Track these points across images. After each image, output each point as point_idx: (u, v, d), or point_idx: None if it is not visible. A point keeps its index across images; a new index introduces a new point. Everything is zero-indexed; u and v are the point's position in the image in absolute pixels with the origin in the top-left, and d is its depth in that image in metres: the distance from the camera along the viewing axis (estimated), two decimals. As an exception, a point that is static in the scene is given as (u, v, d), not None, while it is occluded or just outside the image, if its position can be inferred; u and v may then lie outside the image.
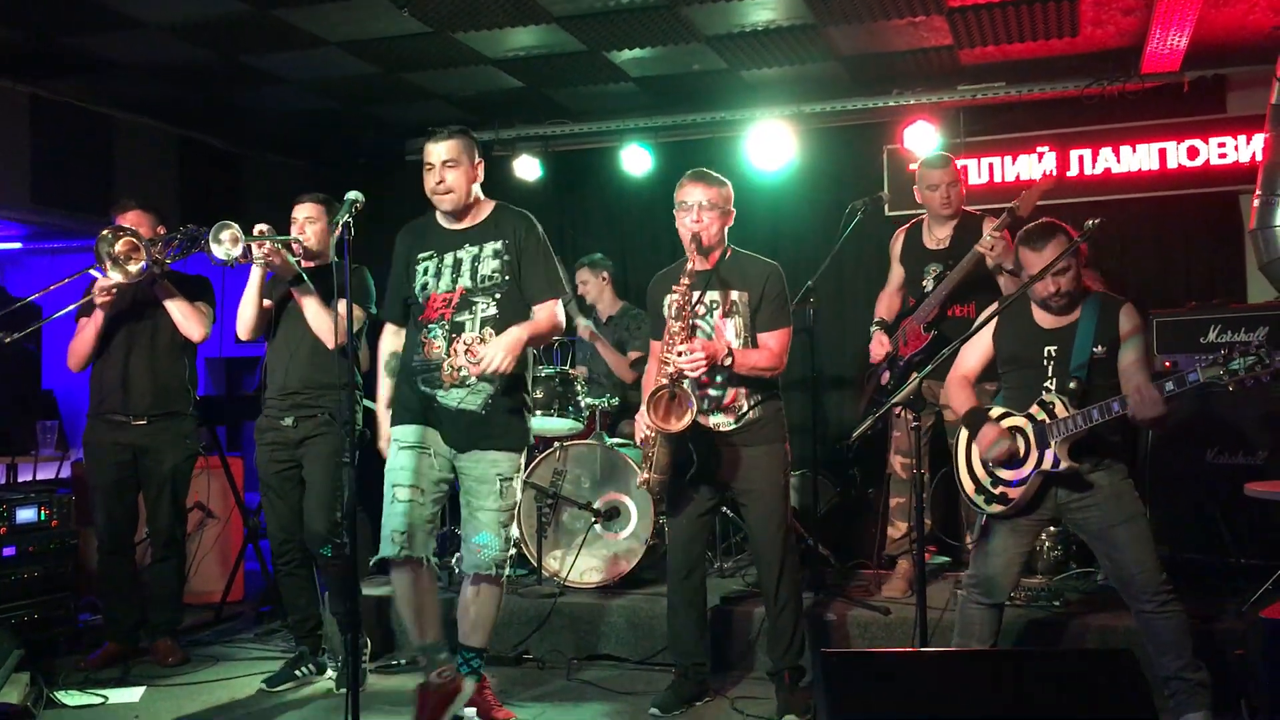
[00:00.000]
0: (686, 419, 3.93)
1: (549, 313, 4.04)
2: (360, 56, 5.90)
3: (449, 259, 4.05)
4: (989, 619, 3.91)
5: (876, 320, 5.29)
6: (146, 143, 6.92)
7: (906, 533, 5.21)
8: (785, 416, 4.34)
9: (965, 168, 6.23)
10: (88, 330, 4.97)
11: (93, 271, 4.85)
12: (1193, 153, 6.29)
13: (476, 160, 4.07)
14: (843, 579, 5.47)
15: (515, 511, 4.12)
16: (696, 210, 4.13)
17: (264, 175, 7.82)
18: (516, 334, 3.87)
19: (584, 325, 6.19)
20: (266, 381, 4.80)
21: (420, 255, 4.10)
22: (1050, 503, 3.81)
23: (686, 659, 4.38)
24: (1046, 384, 3.76)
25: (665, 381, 3.99)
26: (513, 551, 4.13)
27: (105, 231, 4.72)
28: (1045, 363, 3.79)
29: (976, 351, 4.00)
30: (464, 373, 3.95)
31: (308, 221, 4.68)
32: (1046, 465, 3.69)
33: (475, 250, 4.05)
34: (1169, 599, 3.67)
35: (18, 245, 8.81)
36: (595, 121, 7.09)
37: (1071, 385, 3.70)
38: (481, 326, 3.97)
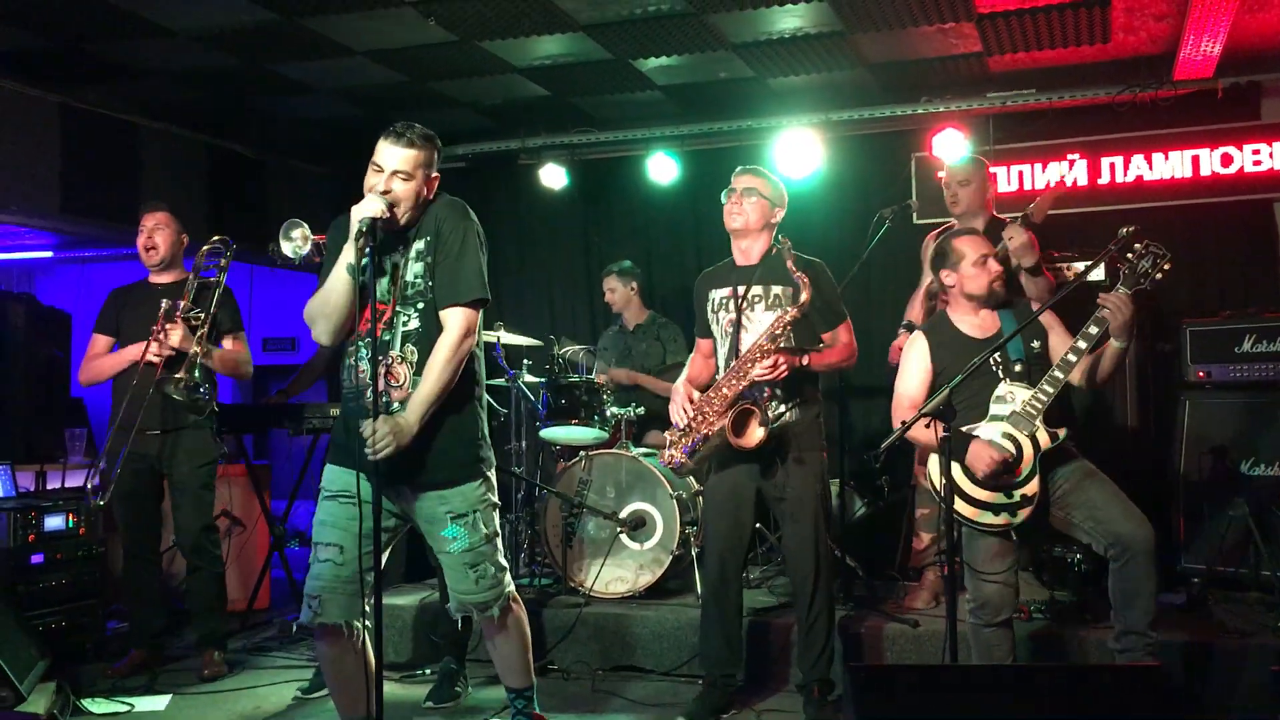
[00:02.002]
0: (761, 433, 4.02)
1: (456, 328, 3.45)
2: (386, 65, 5.92)
3: (386, 264, 3.50)
4: (1003, 638, 3.86)
5: (905, 322, 5.28)
6: (174, 151, 6.97)
7: (929, 544, 5.18)
8: (824, 424, 4.34)
9: (995, 175, 6.17)
10: (109, 361, 5.02)
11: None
12: (1226, 160, 6.21)
13: (434, 174, 3.54)
14: (871, 591, 5.42)
15: (487, 546, 3.56)
16: (739, 195, 4.22)
17: (289, 182, 7.85)
18: (416, 411, 3.37)
19: (621, 372, 6.19)
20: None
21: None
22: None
23: (717, 669, 4.34)
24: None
25: (745, 400, 4.07)
26: (510, 589, 3.65)
27: (154, 349, 4.82)
28: (995, 368, 3.83)
29: (918, 374, 4.01)
30: (385, 399, 3.42)
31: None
32: (1045, 443, 3.72)
33: (404, 256, 3.51)
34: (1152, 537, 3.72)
35: (48, 254, 8.90)
36: (622, 130, 7.07)
37: (1017, 369, 3.80)
38: (403, 344, 3.45)
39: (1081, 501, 3.78)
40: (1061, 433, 3.72)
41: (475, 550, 3.53)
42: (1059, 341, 3.87)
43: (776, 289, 4.22)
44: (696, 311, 4.49)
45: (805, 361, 4.09)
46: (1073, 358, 3.70)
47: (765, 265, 4.25)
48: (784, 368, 4.02)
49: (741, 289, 4.23)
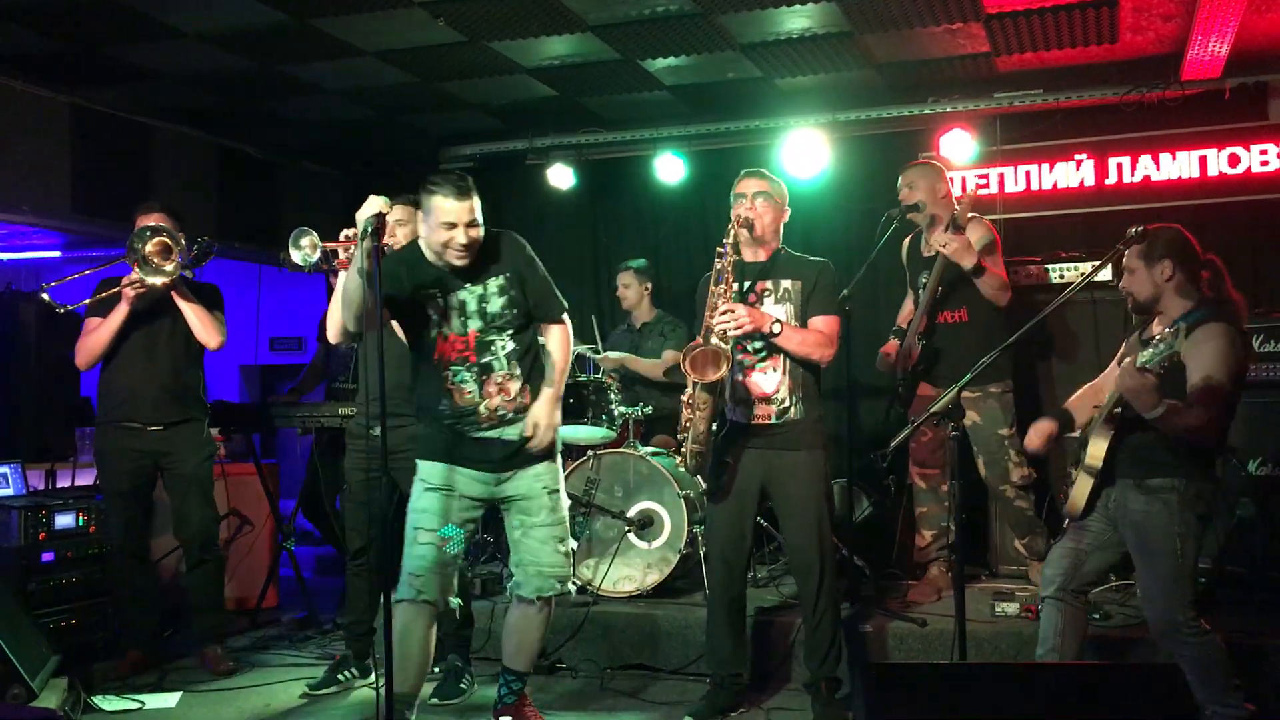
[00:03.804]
0: (723, 369, 4.01)
1: (564, 333, 4.07)
2: (396, 65, 5.94)
3: (454, 300, 3.86)
4: (1049, 616, 3.78)
5: (894, 328, 5.34)
6: (185, 152, 6.99)
7: (931, 541, 5.22)
8: (825, 424, 4.33)
9: (950, 178, 5.85)
10: (103, 330, 4.95)
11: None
12: (1234, 160, 6.22)
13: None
14: (878, 590, 5.43)
15: (568, 526, 4.06)
16: (750, 199, 4.26)
17: (300, 184, 7.88)
18: (551, 398, 3.91)
19: (613, 357, 6.22)
20: (357, 384, 4.88)
21: (426, 290, 3.88)
22: (1104, 507, 3.72)
23: (723, 669, 4.35)
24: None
25: (701, 339, 4.07)
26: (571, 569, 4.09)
27: (144, 228, 4.77)
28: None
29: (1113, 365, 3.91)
30: (501, 412, 3.87)
31: (398, 224, 4.56)
32: (1088, 457, 3.66)
33: (479, 290, 3.89)
34: (1189, 636, 3.52)
35: (57, 254, 8.92)
36: (629, 130, 7.08)
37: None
38: (508, 363, 3.91)
39: (1134, 559, 3.66)
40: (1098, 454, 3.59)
41: (562, 523, 3.99)
42: (1194, 365, 3.45)
43: (785, 283, 4.25)
44: (699, 312, 4.46)
45: (774, 329, 4.08)
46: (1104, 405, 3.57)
47: (774, 262, 4.29)
48: (744, 319, 4.01)
49: (749, 283, 4.24)
